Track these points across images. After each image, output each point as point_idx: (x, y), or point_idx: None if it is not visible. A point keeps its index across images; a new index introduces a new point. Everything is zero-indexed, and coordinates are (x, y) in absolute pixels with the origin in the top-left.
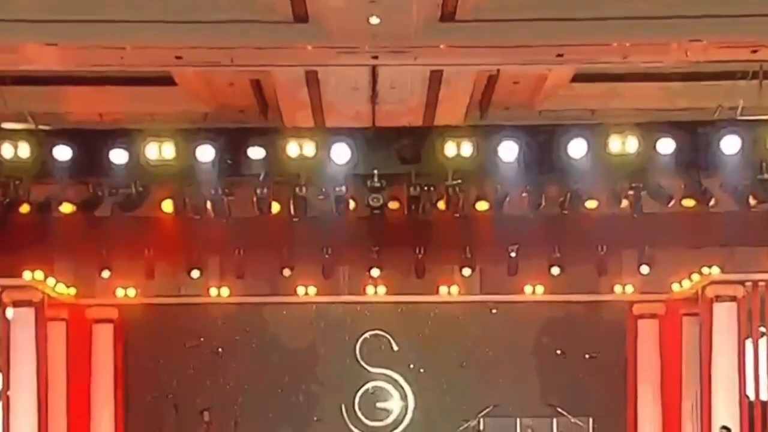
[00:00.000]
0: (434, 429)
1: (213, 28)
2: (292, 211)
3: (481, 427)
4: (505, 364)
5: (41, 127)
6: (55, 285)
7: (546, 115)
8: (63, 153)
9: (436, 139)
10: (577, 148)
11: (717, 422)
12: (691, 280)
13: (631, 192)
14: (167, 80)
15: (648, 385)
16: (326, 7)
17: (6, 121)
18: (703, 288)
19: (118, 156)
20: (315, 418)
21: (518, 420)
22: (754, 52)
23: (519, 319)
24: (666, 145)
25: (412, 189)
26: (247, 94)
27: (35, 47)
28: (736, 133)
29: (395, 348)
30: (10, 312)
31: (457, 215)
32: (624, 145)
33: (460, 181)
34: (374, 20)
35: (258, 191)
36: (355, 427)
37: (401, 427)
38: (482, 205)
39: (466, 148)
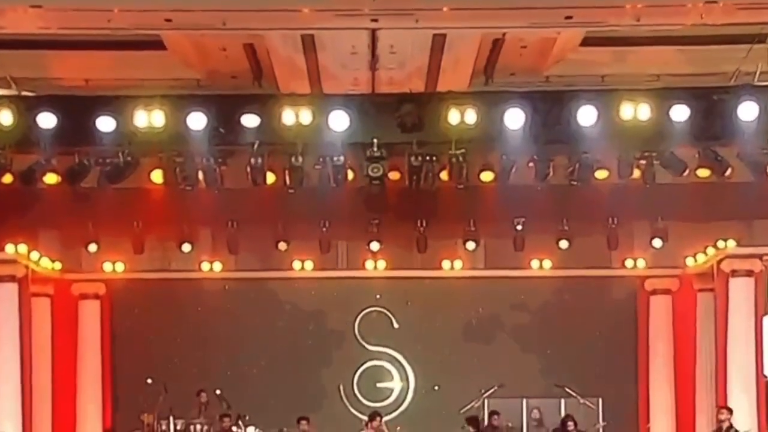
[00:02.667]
0: (436, 410)
1: None
2: (288, 182)
3: (486, 408)
4: (511, 342)
5: (24, 93)
6: (39, 259)
7: (554, 80)
8: (47, 120)
9: (439, 106)
10: (586, 116)
11: (733, 403)
12: (706, 254)
13: (643, 161)
14: (157, 44)
15: (660, 365)
16: None
17: None
18: (719, 262)
19: (106, 124)
20: (311, 399)
21: (524, 401)
22: None
23: (525, 295)
24: (680, 112)
25: (413, 159)
26: (241, 60)
27: (18, 9)
28: (754, 99)
29: (395, 325)
30: None
31: (461, 186)
32: (636, 112)
33: (463, 150)
34: None
35: (252, 161)
36: (354, 408)
37: (401, 408)
38: (487, 176)
39: (471, 116)
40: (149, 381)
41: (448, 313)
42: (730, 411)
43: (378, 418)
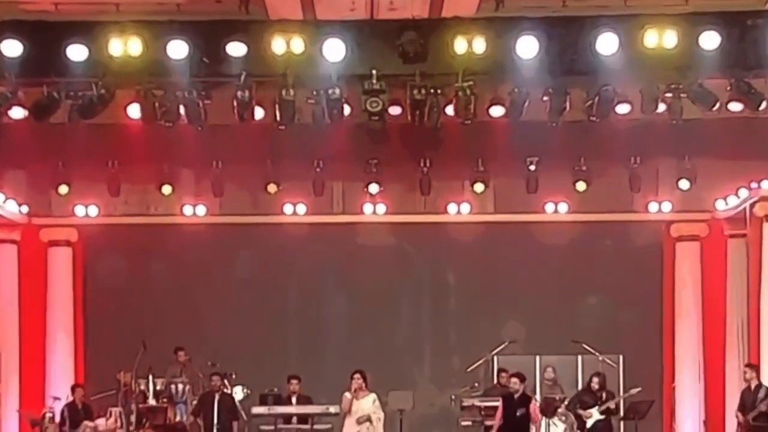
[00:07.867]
0: (442, 367)
1: None
2: (278, 117)
3: (494, 366)
4: (524, 294)
5: None
6: (4, 202)
7: (571, 5)
8: (12, 49)
9: (444, 33)
10: (607, 44)
11: (767, 358)
12: (738, 197)
13: (669, 94)
14: None
15: (687, 317)
16: None
17: None
18: (752, 205)
19: (77, 53)
20: (303, 356)
21: (538, 358)
22: None
23: (539, 242)
24: (710, 40)
25: (416, 92)
26: None
27: None
28: None
29: (397, 275)
30: None
31: (468, 122)
32: (661, 39)
33: (471, 82)
34: None
35: (238, 94)
36: (349, 366)
37: (402, 368)
38: (497, 111)
39: (479, 44)
40: (144, 347)
41: (453, 261)
42: (756, 368)
43: (357, 375)
